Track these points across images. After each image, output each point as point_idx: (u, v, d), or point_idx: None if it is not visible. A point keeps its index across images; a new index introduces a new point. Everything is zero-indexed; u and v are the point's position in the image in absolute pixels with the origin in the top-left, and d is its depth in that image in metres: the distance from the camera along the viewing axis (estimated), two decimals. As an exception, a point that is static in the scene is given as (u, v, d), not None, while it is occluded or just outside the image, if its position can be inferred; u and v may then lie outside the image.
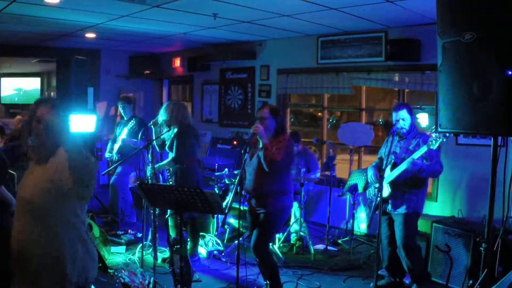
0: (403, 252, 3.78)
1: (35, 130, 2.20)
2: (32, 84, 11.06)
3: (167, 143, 4.69)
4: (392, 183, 3.77)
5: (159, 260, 4.64)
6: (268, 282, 3.82)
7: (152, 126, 4.64)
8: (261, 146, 3.64)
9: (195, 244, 4.76)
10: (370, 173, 4.00)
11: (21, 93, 11.03)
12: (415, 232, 3.93)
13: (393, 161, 3.78)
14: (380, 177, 3.65)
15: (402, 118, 3.83)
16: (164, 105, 4.71)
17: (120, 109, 6.03)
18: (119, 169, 5.77)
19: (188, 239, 4.71)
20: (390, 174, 3.75)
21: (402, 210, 3.78)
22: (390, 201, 3.83)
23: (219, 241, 5.15)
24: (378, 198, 3.72)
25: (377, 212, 3.80)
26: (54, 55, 7.33)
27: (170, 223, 4.58)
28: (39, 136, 2.20)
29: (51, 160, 2.24)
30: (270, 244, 4.92)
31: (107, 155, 5.98)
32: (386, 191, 3.78)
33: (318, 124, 7.36)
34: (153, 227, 4.43)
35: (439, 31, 2.42)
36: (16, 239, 2.21)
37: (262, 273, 3.95)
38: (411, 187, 3.76)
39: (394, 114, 3.89)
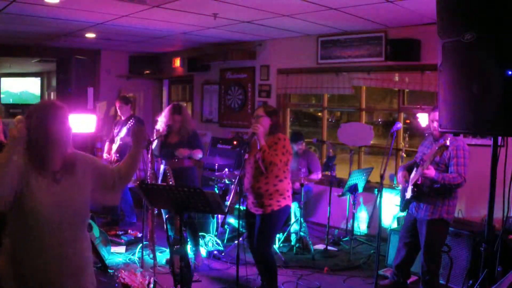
0: (424, 258, 3.70)
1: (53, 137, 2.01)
2: (21, 86, 11.06)
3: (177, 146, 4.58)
4: (415, 186, 3.66)
5: (164, 261, 4.66)
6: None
7: (157, 140, 4.54)
8: (259, 147, 3.67)
9: (196, 245, 4.76)
10: (398, 174, 3.96)
11: (17, 94, 11.05)
12: (438, 240, 3.71)
13: (420, 162, 3.71)
14: (405, 181, 3.63)
15: (436, 119, 3.76)
16: (175, 108, 4.61)
17: (117, 109, 6.02)
18: (118, 169, 5.75)
19: (189, 241, 4.72)
20: (414, 177, 3.68)
21: (425, 215, 3.66)
22: (414, 204, 3.76)
23: (219, 241, 5.15)
24: (379, 198, 3.72)
25: (377, 212, 3.80)
26: (54, 55, 7.33)
27: (169, 225, 4.59)
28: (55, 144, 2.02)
29: (77, 166, 2.11)
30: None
31: (104, 155, 5.97)
32: (409, 193, 3.72)
33: (318, 124, 7.36)
34: (151, 227, 4.43)
35: (439, 31, 2.42)
36: (47, 256, 2.01)
37: (260, 274, 3.96)
38: (436, 192, 3.62)
39: (432, 114, 3.78)
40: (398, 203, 4.02)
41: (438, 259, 3.75)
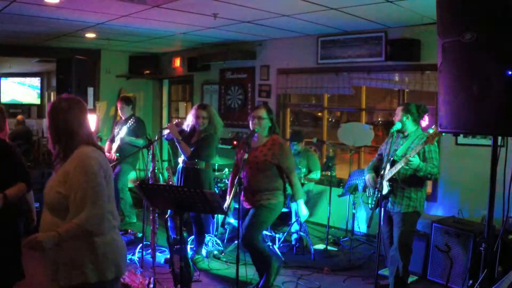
0: (399, 251, 3.75)
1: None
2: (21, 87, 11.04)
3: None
4: (391, 181, 3.75)
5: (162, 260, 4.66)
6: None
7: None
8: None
9: (200, 244, 4.76)
10: (366, 176, 4.00)
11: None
12: (413, 231, 3.89)
13: (392, 158, 3.76)
14: (380, 177, 3.65)
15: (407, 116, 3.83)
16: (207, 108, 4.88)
17: (119, 109, 6.02)
18: (117, 169, 5.76)
19: (194, 239, 4.72)
20: (389, 172, 3.74)
21: (401, 208, 3.75)
22: (389, 199, 3.81)
23: (219, 241, 5.15)
24: (378, 197, 3.72)
25: (377, 212, 3.80)
26: (54, 55, 7.33)
27: (170, 224, 4.59)
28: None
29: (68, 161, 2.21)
30: (270, 243, 4.93)
31: None
32: (385, 188, 3.78)
33: (318, 124, 7.36)
34: (152, 227, 4.43)
35: (439, 31, 2.42)
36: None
37: (256, 268, 3.98)
38: (411, 185, 3.73)
39: (398, 109, 3.89)
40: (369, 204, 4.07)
41: (410, 252, 3.82)
